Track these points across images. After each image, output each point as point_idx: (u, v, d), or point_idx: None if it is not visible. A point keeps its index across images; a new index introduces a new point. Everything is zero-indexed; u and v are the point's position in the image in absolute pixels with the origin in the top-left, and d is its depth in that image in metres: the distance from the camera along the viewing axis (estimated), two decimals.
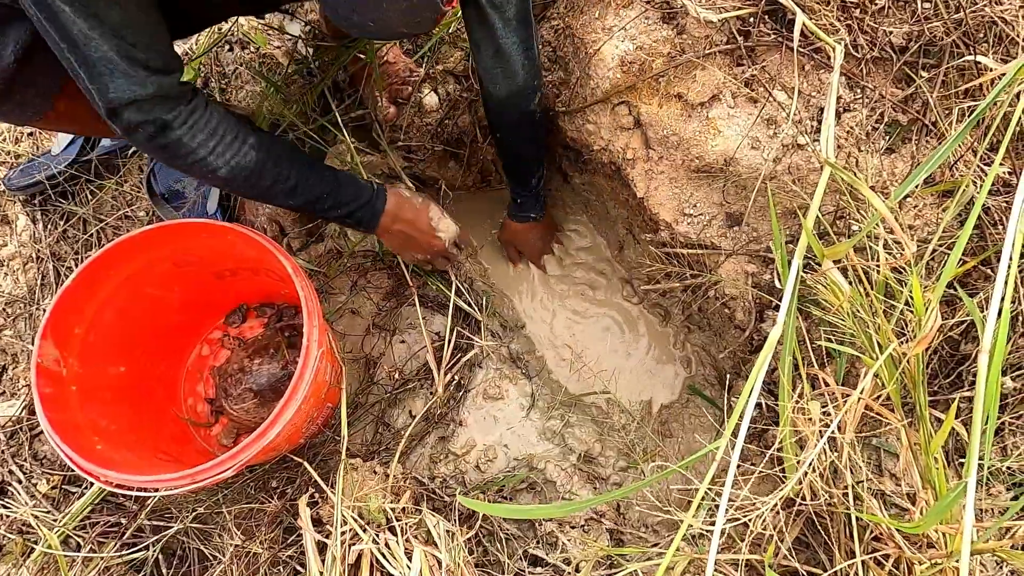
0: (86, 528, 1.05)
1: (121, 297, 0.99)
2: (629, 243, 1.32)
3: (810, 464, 0.61)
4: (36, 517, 1.05)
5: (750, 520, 0.63)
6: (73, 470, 0.83)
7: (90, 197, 1.42)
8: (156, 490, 0.87)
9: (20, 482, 1.11)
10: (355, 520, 0.88)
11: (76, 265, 1.32)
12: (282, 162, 0.85)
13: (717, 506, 0.68)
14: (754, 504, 0.62)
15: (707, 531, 0.65)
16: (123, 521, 1.05)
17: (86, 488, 1.09)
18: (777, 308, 0.75)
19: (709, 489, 0.57)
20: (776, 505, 0.62)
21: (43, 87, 0.87)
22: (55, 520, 1.05)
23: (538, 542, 0.98)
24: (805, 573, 0.77)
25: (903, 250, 0.59)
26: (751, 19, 0.94)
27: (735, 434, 0.55)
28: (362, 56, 1.31)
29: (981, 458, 0.96)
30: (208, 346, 1.22)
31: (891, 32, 0.92)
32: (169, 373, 1.17)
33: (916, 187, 0.89)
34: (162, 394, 1.14)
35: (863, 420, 0.95)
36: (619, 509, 1.05)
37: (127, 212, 1.40)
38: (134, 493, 0.91)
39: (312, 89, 1.37)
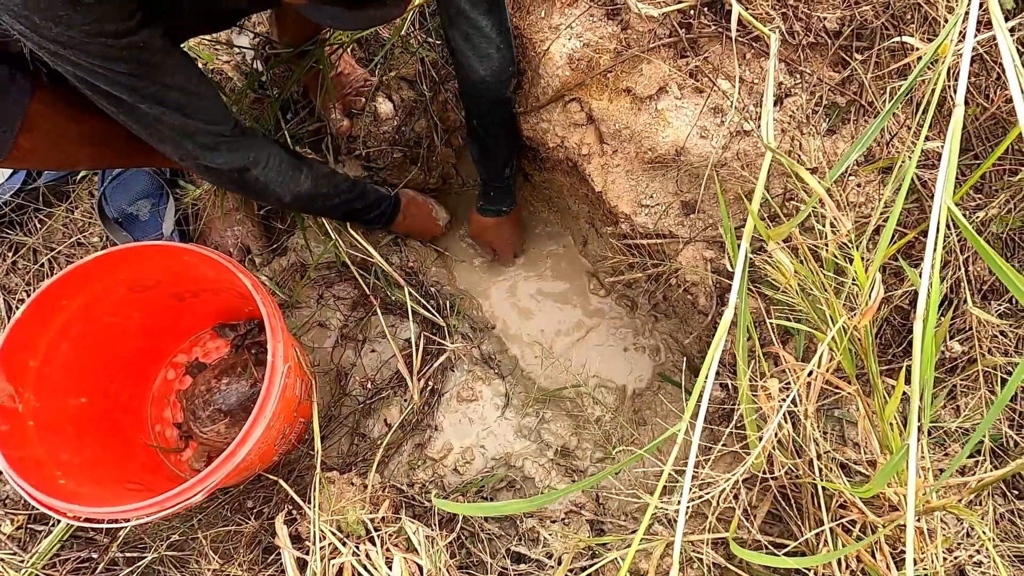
0: (56, 566, 1.02)
1: (77, 327, 0.96)
2: (592, 237, 1.34)
3: (769, 438, 0.63)
4: (2, 560, 1.02)
5: (712, 496, 0.65)
6: (37, 508, 0.81)
7: (39, 226, 1.37)
8: (126, 520, 0.85)
9: None
10: (334, 534, 0.88)
11: (27, 296, 1.28)
12: (328, 184, 1.05)
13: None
14: (716, 481, 0.64)
15: (676, 512, 0.67)
16: (95, 555, 1.02)
17: (53, 525, 1.06)
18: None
19: (674, 471, 0.58)
20: (737, 480, 0.64)
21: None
22: (22, 561, 1.01)
23: (520, 539, 0.99)
24: (770, 546, 0.79)
25: (844, 233, 0.61)
26: (691, 12, 0.96)
27: (695, 415, 0.56)
28: (316, 64, 1.30)
29: (934, 422, 1.00)
30: (173, 370, 1.20)
31: (825, 18, 0.95)
32: (134, 400, 1.14)
33: (857, 165, 0.93)
34: (128, 422, 1.11)
35: (824, 394, 0.98)
36: (598, 500, 1.06)
37: (79, 239, 1.36)
38: (104, 526, 0.89)
39: (271, 104, 1.35)
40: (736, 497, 0.87)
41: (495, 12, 0.94)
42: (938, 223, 0.51)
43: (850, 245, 0.64)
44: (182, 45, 0.98)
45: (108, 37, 0.68)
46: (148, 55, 0.73)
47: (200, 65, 1.53)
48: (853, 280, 0.74)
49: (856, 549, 0.56)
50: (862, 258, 0.63)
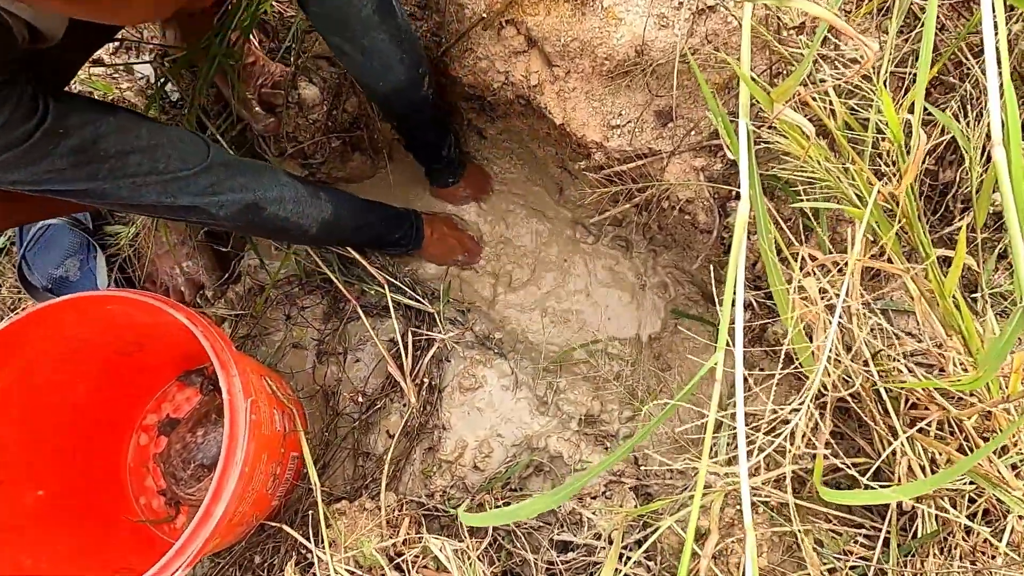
0: None
1: (8, 415, 0.84)
2: (567, 181, 1.20)
3: (830, 346, 0.51)
4: None
5: (784, 438, 0.53)
6: None
7: None
8: None
9: None
10: (351, 573, 0.77)
11: None
12: (349, 204, 0.95)
13: (735, 433, 0.58)
14: (776, 414, 0.52)
15: (733, 459, 0.55)
16: None
17: None
18: (739, 197, 0.65)
19: (722, 415, 0.46)
20: (808, 405, 0.52)
21: None
22: None
23: (562, 525, 0.88)
24: (847, 469, 0.68)
25: (861, 61, 0.48)
26: None
27: (732, 337, 0.44)
28: (226, 57, 1.15)
29: (992, 288, 0.88)
30: (145, 434, 1.08)
31: None
32: (109, 476, 1.02)
33: (846, 14, 0.79)
34: (106, 502, 0.99)
35: (862, 286, 0.86)
36: (637, 463, 0.95)
37: (11, 319, 1.22)
38: None
39: (186, 120, 1.20)
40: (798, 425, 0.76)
41: (388, 20, 0.81)
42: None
43: (873, 81, 0.51)
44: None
45: (19, 144, 0.56)
46: (76, 137, 0.61)
47: (99, 96, 1.38)
48: (878, 137, 0.61)
49: (974, 463, 0.44)
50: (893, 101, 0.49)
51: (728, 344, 0.48)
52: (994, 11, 0.37)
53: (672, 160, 0.92)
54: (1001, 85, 0.37)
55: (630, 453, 0.96)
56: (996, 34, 0.36)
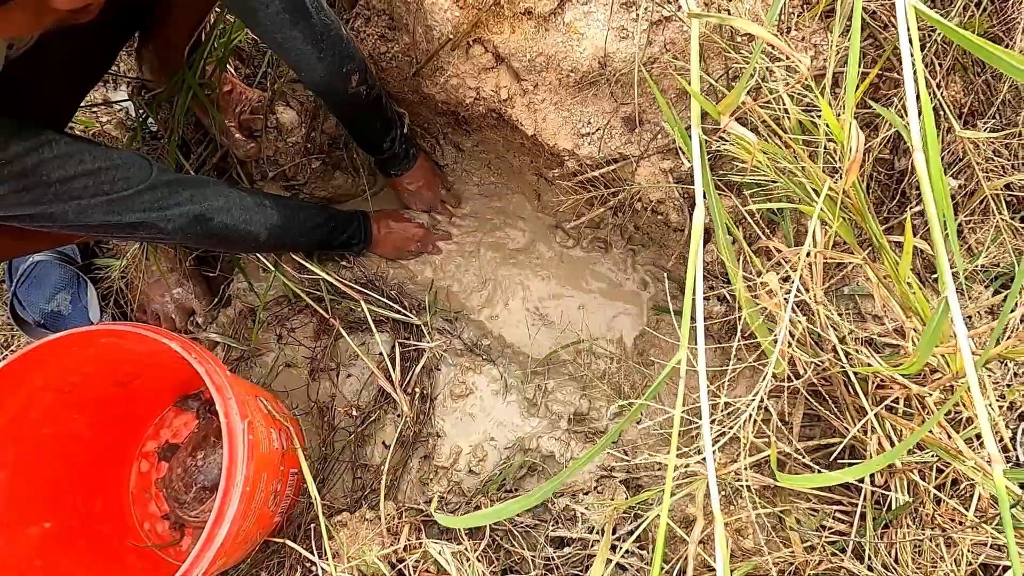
0: None
1: (9, 451, 0.86)
2: (544, 188, 1.24)
3: (785, 337, 0.55)
4: None
5: (738, 428, 0.56)
6: None
7: None
8: None
9: None
10: None
11: None
12: (295, 208, 1.00)
13: (715, 422, 0.61)
14: (749, 404, 0.56)
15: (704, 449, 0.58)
16: None
17: None
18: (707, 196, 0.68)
19: (684, 411, 0.50)
20: (762, 398, 0.56)
21: None
22: None
23: (556, 522, 0.91)
24: (816, 452, 0.72)
25: (799, 72, 0.52)
26: None
27: (694, 339, 0.47)
28: (203, 87, 1.17)
29: (954, 267, 0.92)
30: (146, 460, 1.10)
31: None
32: (112, 505, 1.04)
33: (796, 16, 0.83)
34: (112, 530, 1.01)
35: (828, 274, 0.90)
36: (627, 454, 0.98)
37: (4, 356, 1.24)
38: None
39: (167, 150, 1.22)
40: (767, 412, 0.79)
41: (301, 21, 0.84)
42: (907, 19, 0.41)
43: (812, 90, 0.55)
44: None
45: None
46: (18, 165, 0.63)
47: (80, 131, 1.40)
48: (828, 138, 0.65)
49: (921, 436, 0.48)
50: (830, 105, 0.53)
51: (694, 340, 0.51)
52: (913, 56, 0.41)
53: (641, 163, 0.96)
54: (918, 96, 0.41)
55: (619, 448, 0.99)
56: (912, 64, 0.40)
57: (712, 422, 0.50)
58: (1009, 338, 0.61)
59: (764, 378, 0.55)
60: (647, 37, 0.85)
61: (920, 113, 0.42)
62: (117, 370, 0.95)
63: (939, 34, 0.84)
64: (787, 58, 0.59)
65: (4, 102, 0.64)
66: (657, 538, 0.48)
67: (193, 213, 0.82)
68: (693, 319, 0.48)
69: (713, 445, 0.47)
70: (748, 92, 0.63)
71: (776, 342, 0.55)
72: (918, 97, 0.41)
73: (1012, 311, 0.71)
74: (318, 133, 1.27)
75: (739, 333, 0.59)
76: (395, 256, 1.24)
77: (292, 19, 0.83)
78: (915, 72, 0.41)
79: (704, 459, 0.65)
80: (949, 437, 0.64)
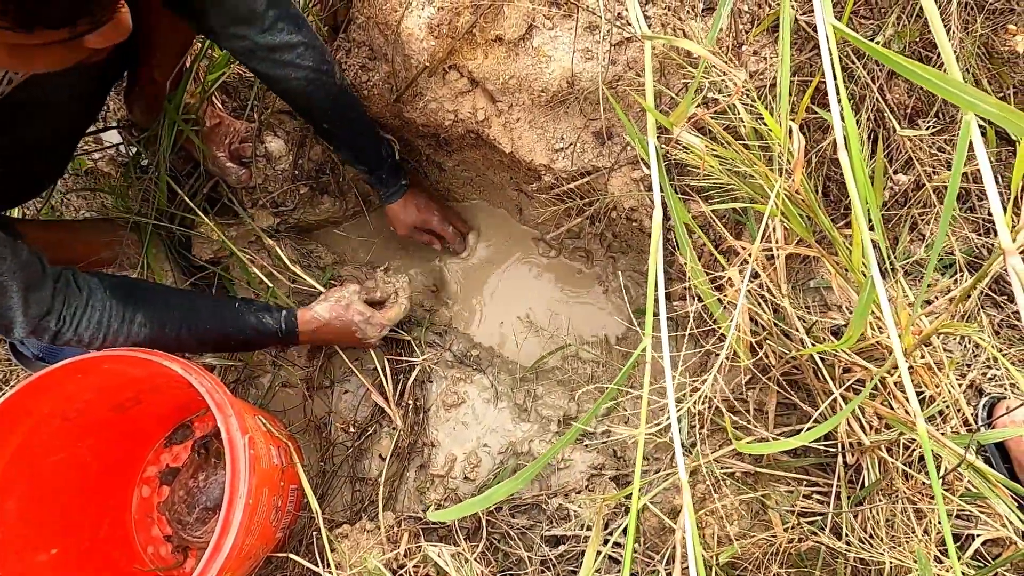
0: None
1: (19, 478, 0.88)
2: (524, 202, 1.29)
3: (741, 323, 0.59)
4: None
5: (693, 404, 0.61)
6: None
7: None
8: None
9: None
10: None
11: None
12: (177, 323, 0.90)
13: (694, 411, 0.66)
14: (695, 389, 0.60)
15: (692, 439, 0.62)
16: None
17: None
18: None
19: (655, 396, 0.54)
20: (716, 379, 0.60)
21: None
22: None
23: (551, 521, 0.94)
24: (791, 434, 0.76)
25: (741, 85, 0.57)
26: None
27: (655, 329, 0.52)
28: (191, 121, 1.22)
29: (906, 257, 0.98)
30: (147, 485, 1.12)
31: None
32: (117, 530, 1.06)
33: (745, 33, 0.90)
34: (117, 555, 1.03)
35: (794, 269, 0.96)
36: (617, 455, 1.02)
37: (5, 392, 1.26)
38: None
39: (158, 185, 1.26)
40: (744, 400, 0.84)
41: (286, 17, 0.90)
42: (827, 39, 0.47)
43: (755, 101, 0.60)
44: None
45: None
46: None
47: (72, 171, 1.44)
48: (779, 142, 0.71)
49: (858, 403, 0.52)
50: (770, 112, 0.59)
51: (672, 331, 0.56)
52: (833, 67, 0.47)
53: (613, 174, 1.02)
54: (840, 101, 0.47)
55: (608, 446, 1.03)
56: (834, 74, 0.46)
57: (678, 402, 0.55)
58: (940, 317, 0.67)
59: (721, 356, 0.59)
60: (610, 57, 0.91)
61: (842, 118, 0.48)
62: (119, 395, 0.98)
63: None
64: (748, 62, 0.65)
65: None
66: (629, 515, 0.52)
67: (47, 328, 0.80)
68: (656, 313, 0.53)
69: (678, 418, 0.52)
70: (706, 103, 0.68)
71: (732, 326, 0.60)
72: (839, 102, 0.47)
73: (929, 286, 0.76)
74: (305, 160, 1.32)
75: (692, 319, 0.63)
76: (406, 232, 1.23)
77: (275, 17, 0.90)
78: (836, 82, 0.47)
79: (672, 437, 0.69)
80: (907, 412, 0.69)
